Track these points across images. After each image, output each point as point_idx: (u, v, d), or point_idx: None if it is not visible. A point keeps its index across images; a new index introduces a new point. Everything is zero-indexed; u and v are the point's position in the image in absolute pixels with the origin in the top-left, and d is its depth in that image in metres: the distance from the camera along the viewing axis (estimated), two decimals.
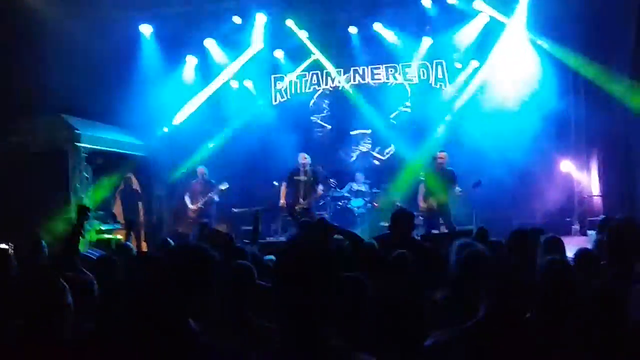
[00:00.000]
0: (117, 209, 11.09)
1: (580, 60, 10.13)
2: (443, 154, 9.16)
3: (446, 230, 8.93)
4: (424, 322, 2.91)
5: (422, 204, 9.10)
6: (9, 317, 2.66)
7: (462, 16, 11.07)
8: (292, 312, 1.69)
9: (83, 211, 3.99)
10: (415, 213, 6.58)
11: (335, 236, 4.56)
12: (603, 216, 5.90)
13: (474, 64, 11.40)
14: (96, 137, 9.88)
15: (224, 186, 10.24)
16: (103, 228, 9.98)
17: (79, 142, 9.43)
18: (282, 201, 9.78)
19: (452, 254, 3.35)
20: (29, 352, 2.34)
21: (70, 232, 3.86)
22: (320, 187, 9.76)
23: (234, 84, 12.35)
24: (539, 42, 10.73)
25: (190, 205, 10.31)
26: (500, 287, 2.36)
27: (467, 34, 11.23)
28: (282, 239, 10.21)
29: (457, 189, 8.96)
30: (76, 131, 9.41)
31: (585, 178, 10.91)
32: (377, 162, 12.32)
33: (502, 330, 2.28)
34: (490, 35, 11.13)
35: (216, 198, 10.27)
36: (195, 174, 10.67)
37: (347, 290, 2.70)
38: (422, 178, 9.36)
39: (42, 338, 2.37)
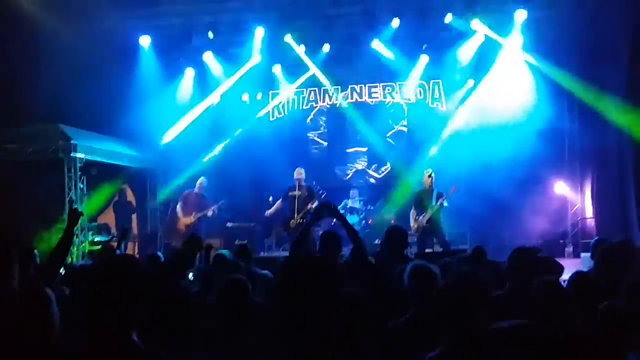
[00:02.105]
0: (111, 221, 11.03)
1: (574, 81, 10.21)
2: (428, 175, 9.15)
3: (440, 249, 8.90)
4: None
5: (413, 224, 9.11)
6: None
7: (459, 36, 11.17)
8: (302, 331, 1.68)
9: (75, 215, 3.83)
10: (409, 232, 6.56)
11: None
12: (596, 238, 5.90)
13: (470, 83, 11.51)
14: (92, 148, 9.85)
15: (218, 206, 10.23)
16: (96, 240, 9.93)
17: (75, 152, 9.40)
18: (270, 211, 9.81)
19: (405, 277, 3.27)
20: None
21: (61, 238, 3.68)
22: (313, 203, 9.72)
23: (231, 98, 12.39)
24: (534, 62, 10.83)
25: (182, 218, 10.24)
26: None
27: (463, 54, 11.33)
28: (276, 254, 10.15)
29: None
30: (72, 141, 9.38)
31: (579, 200, 10.96)
32: (372, 180, 12.33)
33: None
34: (486, 55, 11.23)
35: (209, 214, 10.22)
36: (191, 186, 10.61)
37: (344, 307, 2.68)
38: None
39: (29, 348, 2.33)
